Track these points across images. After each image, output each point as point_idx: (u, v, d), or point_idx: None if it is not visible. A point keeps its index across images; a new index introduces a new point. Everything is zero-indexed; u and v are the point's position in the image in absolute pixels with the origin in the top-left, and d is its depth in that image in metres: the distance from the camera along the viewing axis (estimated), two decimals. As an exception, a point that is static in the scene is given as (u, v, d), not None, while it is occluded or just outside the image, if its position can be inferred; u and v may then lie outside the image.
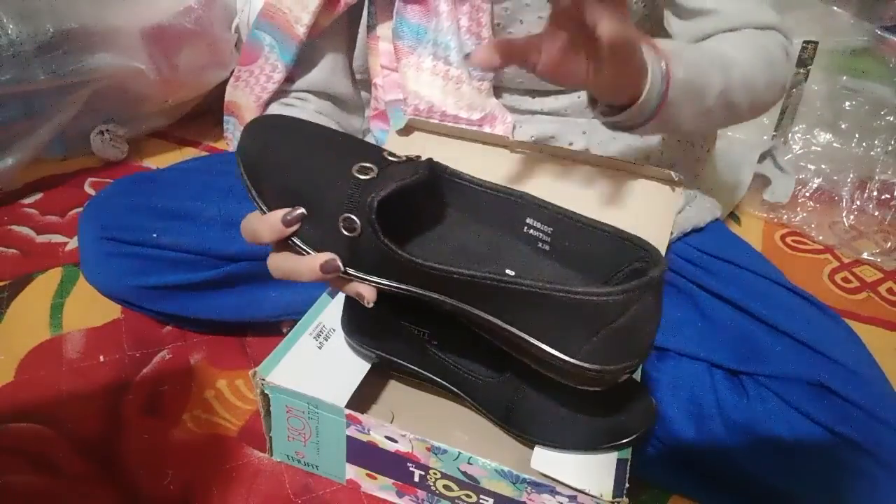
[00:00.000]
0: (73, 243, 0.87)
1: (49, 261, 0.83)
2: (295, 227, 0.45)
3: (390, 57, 0.66)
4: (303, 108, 0.70)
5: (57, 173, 1.01)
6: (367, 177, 0.43)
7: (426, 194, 0.50)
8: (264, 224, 0.45)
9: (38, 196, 0.96)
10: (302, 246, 0.46)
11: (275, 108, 0.69)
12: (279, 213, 0.45)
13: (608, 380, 0.44)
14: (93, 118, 1.02)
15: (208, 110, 1.16)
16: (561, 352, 0.43)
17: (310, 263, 0.45)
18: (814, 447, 0.53)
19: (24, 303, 0.77)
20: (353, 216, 0.43)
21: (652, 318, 0.43)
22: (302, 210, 0.44)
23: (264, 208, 0.47)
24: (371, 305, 0.46)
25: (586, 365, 0.43)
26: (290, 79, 0.69)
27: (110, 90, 0.99)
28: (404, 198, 0.44)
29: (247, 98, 0.71)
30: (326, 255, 0.44)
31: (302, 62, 0.68)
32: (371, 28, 0.67)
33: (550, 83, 0.65)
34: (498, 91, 0.66)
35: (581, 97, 0.65)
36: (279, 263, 0.47)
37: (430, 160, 0.47)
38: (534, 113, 0.66)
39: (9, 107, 0.90)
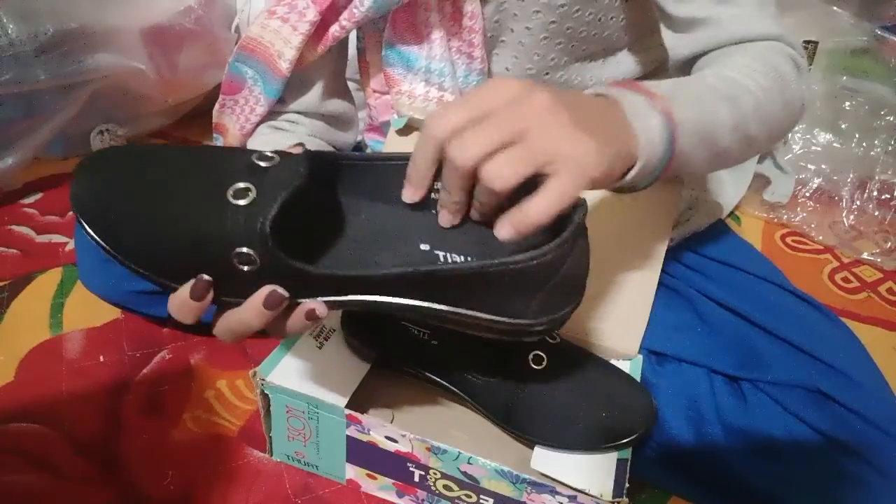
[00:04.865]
0: (72, 243, 0.87)
1: (49, 261, 0.83)
2: (210, 297, 0.39)
3: (381, 82, 0.65)
4: (293, 131, 0.65)
5: (57, 173, 1.00)
6: (246, 200, 0.37)
7: (319, 187, 0.44)
8: (176, 305, 0.39)
9: (38, 196, 0.96)
10: (233, 300, 0.40)
11: (264, 131, 0.65)
12: (185, 291, 0.39)
13: (556, 327, 0.43)
14: (93, 118, 1.02)
15: (208, 110, 1.14)
16: (511, 317, 0.41)
17: (251, 308, 0.39)
18: (811, 453, 0.53)
19: (24, 303, 0.77)
20: (245, 249, 0.37)
21: (585, 256, 0.42)
22: (206, 277, 0.38)
23: (164, 282, 0.40)
24: (325, 313, 0.41)
25: (537, 321, 0.42)
26: (281, 100, 0.64)
27: (110, 90, 0.99)
28: (294, 204, 0.38)
29: (233, 124, 0.67)
30: (264, 291, 0.38)
31: (292, 86, 0.63)
32: (360, 51, 0.66)
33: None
34: None
35: None
36: (223, 329, 0.41)
37: (305, 152, 0.41)
38: None
39: (9, 107, 0.90)
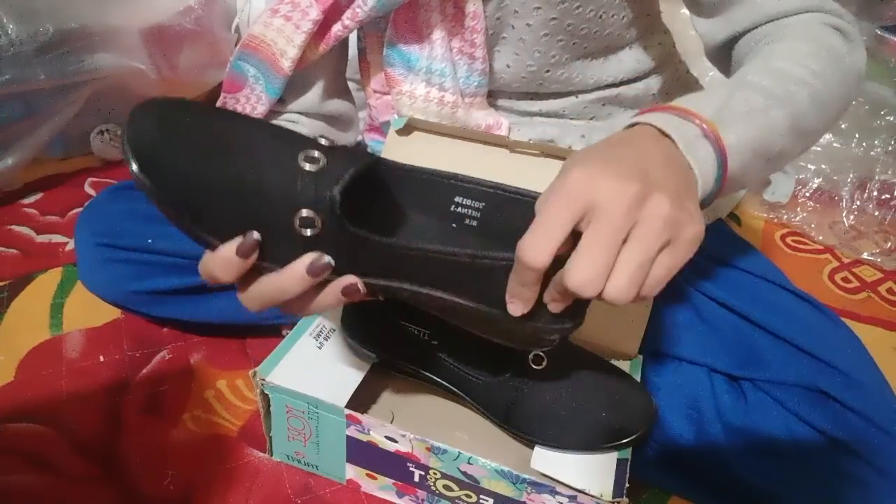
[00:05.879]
0: (73, 243, 0.87)
1: (49, 261, 0.83)
2: (254, 257, 0.39)
3: (382, 82, 0.65)
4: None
5: (57, 173, 1.01)
6: (316, 167, 0.38)
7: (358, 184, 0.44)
8: (218, 263, 0.39)
9: (38, 196, 0.96)
10: (269, 265, 0.40)
11: None
12: (231, 247, 0.38)
13: (551, 340, 0.44)
14: (93, 118, 1.02)
15: (208, 110, 1.16)
16: (546, 322, 0.42)
17: (293, 273, 0.39)
18: (811, 453, 0.53)
19: (24, 303, 0.77)
20: (311, 212, 0.38)
21: None
22: (256, 235, 0.38)
23: (204, 236, 0.39)
24: (364, 291, 0.41)
25: (548, 326, 0.42)
26: (281, 100, 0.64)
27: (110, 90, 0.99)
28: (350, 187, 0.39)
29: None
30: (309, 256, 0.39)
31: (293, 86, 0.62)
32: (361, 51, 0.66)
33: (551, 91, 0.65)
34: (495, 94, 0.66)
35: (579, 98, 0.65)
36: (254, 295, 0.41)
37: (357, 145, 0.41)
38: (532, 115, 0.66)
39: (9, 107, 0.90)
